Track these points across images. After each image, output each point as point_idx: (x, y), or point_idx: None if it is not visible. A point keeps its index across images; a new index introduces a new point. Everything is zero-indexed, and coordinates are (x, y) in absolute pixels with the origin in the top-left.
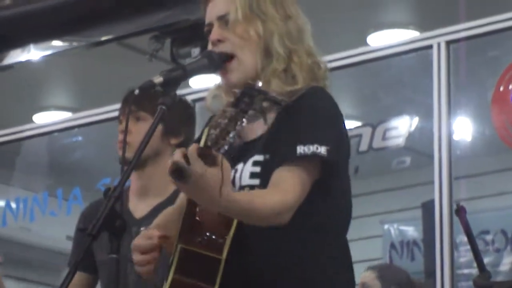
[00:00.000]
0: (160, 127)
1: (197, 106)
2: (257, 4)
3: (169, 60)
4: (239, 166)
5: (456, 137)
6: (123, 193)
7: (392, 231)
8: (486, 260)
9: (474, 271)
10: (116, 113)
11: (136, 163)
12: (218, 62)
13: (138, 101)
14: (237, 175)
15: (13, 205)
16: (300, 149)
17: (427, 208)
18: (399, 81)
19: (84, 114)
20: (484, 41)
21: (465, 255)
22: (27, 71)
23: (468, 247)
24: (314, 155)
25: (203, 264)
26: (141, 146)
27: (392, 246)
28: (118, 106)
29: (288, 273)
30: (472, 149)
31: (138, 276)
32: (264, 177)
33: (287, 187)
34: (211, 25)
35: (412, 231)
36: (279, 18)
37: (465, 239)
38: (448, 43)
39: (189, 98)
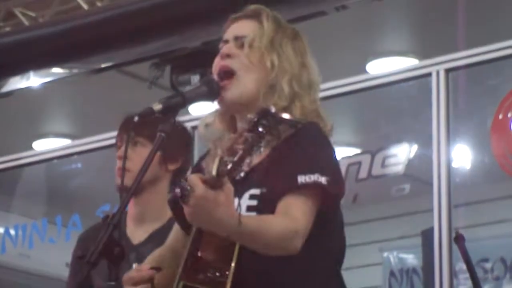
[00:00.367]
0: (158, 153)
1: (196, 133)
2: (280, 41)
3: (168, 87)
4: (235, 201)
5: (455, 164)
6: (122, 220)
7: (392, 259)
8: None
9: None
10: (115, 140)
11: (135, 190)
12: (217, 90)
13: (136, 126)
14: None
15: (12, 232)
16: (301, 179)
17: (427, 236)
18: (398, 109)
19: (83, 141)
20: (483, 69)
21: (464, 283)
22: (27, 98)
23: (468, 275)
24: (315, 184)
25: None
26: (140, 173)
27: (392, 274)
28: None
29: None
30: (472, 177)
31: None
32: (261, 210)
33: (295, 215)
34: (227, 42)
35: (411, 259)
36: (295, 63)
37: (464, 267)
38: (447, 71)
39: (188, 125)
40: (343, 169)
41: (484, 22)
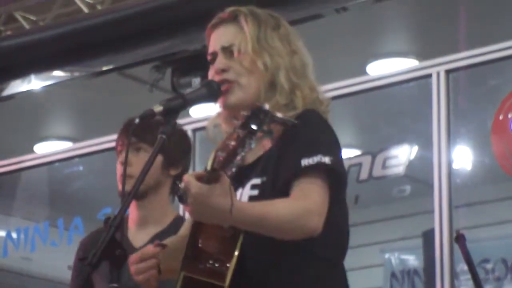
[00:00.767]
0: (160, 158)
1: (197, 135)
2: (265, 38)
3: (169, 90)
4: (238, 192)
5: (456, 165)
6: (123, 222)
7: (393, 260)
8: None
9: None
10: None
11: (136, 193)
12: (217, 92)
13: (138, 132)
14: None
15: (14, 235)
16: (305, 162)
17: (428, 237)
18: (399, 110)
19: (85, 144)
20: (484, 70)
21: (465, 284)
22: (28, 101)
23: (469, 276)
24: (319, 164)
25: None
26: (141, 175)
27: (393, 275)
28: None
29: None
30: (472, 178)
31: None
32: (262, 199)
33: (305, 193)
34: (215, 54)
35: (412, 260)
36: (285, 53)
37: (465, 267)
38: (448, 72)
39: (189, 127)
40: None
41: (484, 23)
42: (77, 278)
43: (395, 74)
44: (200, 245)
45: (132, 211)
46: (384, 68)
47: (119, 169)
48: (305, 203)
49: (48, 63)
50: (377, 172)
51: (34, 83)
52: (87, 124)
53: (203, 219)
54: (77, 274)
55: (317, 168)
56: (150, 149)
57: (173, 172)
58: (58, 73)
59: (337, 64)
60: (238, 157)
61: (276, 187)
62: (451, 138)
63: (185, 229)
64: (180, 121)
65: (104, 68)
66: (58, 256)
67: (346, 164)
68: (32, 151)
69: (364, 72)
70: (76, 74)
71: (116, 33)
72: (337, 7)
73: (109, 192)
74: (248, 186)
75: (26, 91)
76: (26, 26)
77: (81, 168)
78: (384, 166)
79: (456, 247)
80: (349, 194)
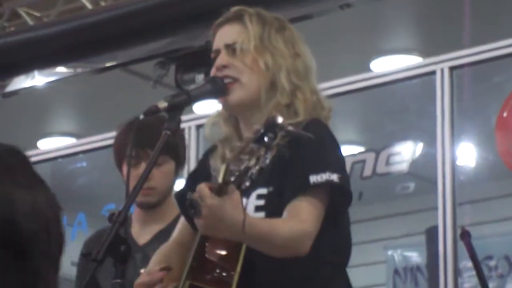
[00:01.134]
0: (172, 165)
1: (201, 132)
2: (268, 38)
3: (173, 86)
4: (243, 201)
5: (460, 162)
6: (128, 219)
7: (396, 257)
8: (489, 285)
9: None
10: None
11: (150, 203)
12: (221, 88)
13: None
14: None
15: None
16: (313, 178)
17: (431, 234)
18: (403, 107)
19: (89, 140)
20: (488, 67)
21: (469, 281)
22: (32, 97)
23: (472, 273)
24: (327, 183)
25: None
26: (145, 172)
27: (396, 272)
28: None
29: None
30: (476, 175)
31: None
32: (268, 210)
33: (304, 216)
34: (218, 51)
35: (416, 257)
36: (288, 55)
37: (468, 264)
38: (452, 69)
39: (193, 123)
40: (347, 167)
41: (489, 20)
42: (82, 275)
43: (399, 71)
44: (206, 255)
45: (135, 209)
46: (388, 65)
47: (133, 178)
48: (304, 226)
49: (52, 59)
50: (380, 169)
51: (37, 79)
52: (91, 120)
53: (214, 233)
54: (81, 271)
55: (325, 186)
56: (169, 158)
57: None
58: (61, 69)
59: (341, 60)
60: (253, 171)
61: (282, 199)
62: (455, 135)
63: (178, 235)
64: (183, 117)
65: (108, 64)
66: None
67: (350, 161)
68: (35, 147)
69: (368, 69)
70: (80, 70)
71: (120, 29)
72: (341, 4)
73: (112, 188)
74: (253, 195)
75: (29, 87)
76: (30, 22)
77: (84, 164)
78: (387, 163)
79: (459, 244)
80: (352, 191)
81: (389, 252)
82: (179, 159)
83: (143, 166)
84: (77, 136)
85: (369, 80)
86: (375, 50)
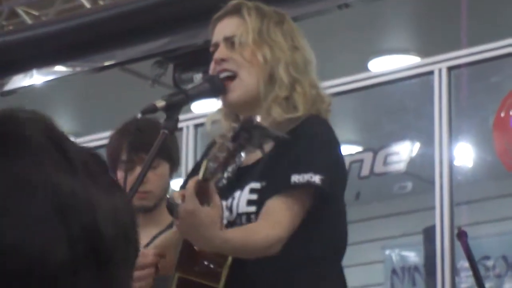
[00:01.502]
0: (167, 167)
1: (199, 131)
2: (267, 31)
3: (171, 86)
4: (237, 194)
5: (457, 162)
6: None
7: (394, 257)
8: (487, 286)
9: None
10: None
11: (146, 207)
12: (220, 87)
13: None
14: (234, 202)
15: None
16: (295, 178)
17: (429, 234)
18: (400, 107)
19: (87, 139)
20: (485, 67)
21: (466, 280)
22: (30, 96)
23: (469, 272)
24: (308, 184)
25: None
26: (144, 169)
27: (394, 271)
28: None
29: None
30: (474, 175)
31: None
32: (260, 204)
33: (278, 219)
34: (217, 45)
35: (413, 257)
36: (287, 48)
37: (466, 264)
38: (450, 69)
39: (191, 123)
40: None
41: (487, 20)
42: None
43: (397, 70)
44: (195, 247)
45: None
46: (386, 64)
47: (129, 183)
48: (278, 232)
49: (50, 58)
50: (378, 168)
51: (36, 78)
52: (89, 119)
53: (188, 237)
54: None
55: (305, 187)
56: (163, 161)
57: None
58: (60, 68)
59: (338, 60)
60: (229, 169)
61: (269, 194)
62: (452, 135)
63: None
64: (181, 117)
65: (106, 64)
66: None
67: (348, 161)
68: None
69: (365, 69)
70: (78, 69)
71: (118, 28)
72: (339, 4)
73: None
74: (247, 189)
75: (28, 86)
76: (29, 21)
77: None
78: (385, 163)
79: (457, 244)
80: (350, 191)
81: (387, 252)
82: (173, 161)
83: (138, 170)
84: (76, 135)
85: (367, 80)
86: (373, 49)
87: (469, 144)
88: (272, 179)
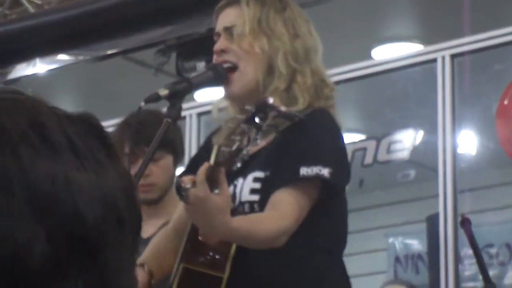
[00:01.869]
0: (171, 159)
1: (202, 119)
2: (266, 20)
3: (174, 74)
4: (239, 181)
5: (460, 150)
6: None
7: (397, 245)
8: (490, 273)
9: (479, 284)
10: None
11: (150, 199)
12: (223, 75)
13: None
14: (237, 190)
15: None
16: (303, 171)
17: (432, 222)
18: (404, 95)
19: None
20: (489, 55)
21: (469, 268)
22: (33, 84)
23: (473, 260)
24: (317, 177)
25: (205, 282)
26: (146, 160)
27: (397, 259)
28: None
29: None
30: (477, 163)
31: None
32: (264, 193)
33: (286, 211)
34: (219, 35)
35: (416, 245)
36: (287, 37)
37: (469, 252)
38: (453, 56)
39: (194, 111)
40: (348, 155)
41: (490, 8)
42: None
43: (400, 58)
44: (200, 238)
45: None
46: (389, 52)
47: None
48: (284, 224)
49: (53, 47)
50: (381, 156)
51: (39, 67)
52: (92, 108)
53: (196, 223)
54: None
55: (313, 181)
56: (165, 153)
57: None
58: (63, 56)
59: (342, 48)
60: (244, 152)
61: (275, 184)
62: (455, 123)
63: (175, 221)
64: (184, 105)
65: (109, 52)
66: None
67: (351, 149)
68: None
69: (369, 57)
70: (81, 58)
71: (121, 16)
72: None
73: None
74: (250, 178)
75: (31, 74)
76: (31, 9)
77: None
78: (388, 151)
79: (460, 231)
80: (353, 179)
81: (390, 240)
82: (177, 153)
83: (140, 162)
84: None
85: (370, 68)
86: (376, 37)
87: (473, 132)
88: (277, 169)
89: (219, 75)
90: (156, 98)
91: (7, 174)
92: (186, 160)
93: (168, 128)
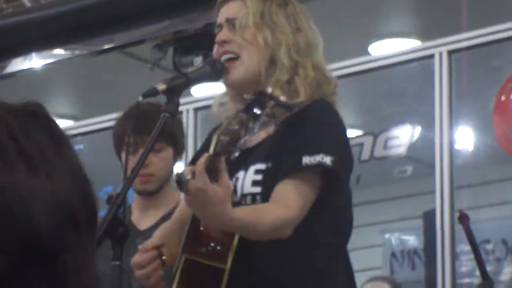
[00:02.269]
0: (171, 151)
1: (199, 114)
2: (269, 13)
3: (171, 69)
4: (240, 174)
5: (457, 146)
6: (126, 201)
7: (393, 240)
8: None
9: (475, 280)
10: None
11: (149, 191)
12: (221, 70)
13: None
14: (239, 183)
15: None
16: (306, 160)
17: (428, 218)
18: (401, 91)
19: (86, 123)
20: (486, 51)
21: (466, 264)
22: (29, 79)
23: (469, 256)
24: (319, 165)
25: (207, 274)
26: (142, 156)
27: (393, 255)
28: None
29: (291, 283)
30: (474, 159)
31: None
32: (266, 185)
33: (289, 202)
34: (221, 26)
35: (413, 240)
36: (289, 30)
37: (466, 248)
38: (450, 52)
39: (191, 106)
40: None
41: (487, 4)
42: None
43: (397, 54)
44: (201, 228)
45: (136, 197)
46: (386, 48)
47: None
48: (287, 215)
49: (49, 41)
50: (378, 152)
51: (35, 61)
52: (89, 103)
53: (197, 213)
54: None
55: (316, 169)
56: (165, 145)
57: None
58: (59, 51)
59: (339, 44)
60: (241, 141)
61: (278, 176)
62: (453, 119)
63: (179, 212)
64: (181, 100)
65: (106, 47)
66: None
67: None
68: None
69: (366, 52)
70: (77, 52)
71: (118, 11)
72: None
73: (110, 170)
74: (251, 170)
75: (27, 69)
76: (28, 4)
77: (82, 146)
78: (385, 147)
79: (457, 227)
80: (350, 176)
81: (386, 236)
82: (177, 146)
83: (141, 152)
84: (75, 118)
85: (367, 64)
86: (373, 33)
87: (470, 127)
88: (278, 160)
89: (217, 70)
90: (154, 93)
91: None
92: (185, 154)
93: (166, 122)
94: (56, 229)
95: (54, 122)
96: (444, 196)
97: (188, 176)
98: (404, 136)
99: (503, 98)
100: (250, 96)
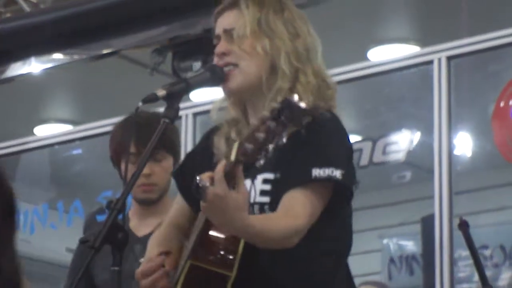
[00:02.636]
0: (171, 160)
1: (198, 119)
2: (266, 21)
3: (170, 74)
4: (247, 183)
5: (456, 152)
6: (125, 206)
7: (391, 246)
8: None
9: (473, 286)
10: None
11: (150, 200)
12: (220, 76)
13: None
14: None
15: None
16: (316, 172)
17: (427, 223)
18: (400, 96)
19: (85, 127)
20: (485, 57)
21: (464, 270)
22: (28, 84)
23: (468, 262)
24: (330, 179)
25: (211, 280)
26: (144, 157)
27: (391, 260)
28: (119, 119)
29: None
30: (473, 164)
31: None
32: (274, 195)
33: (298, 212)
34: (219, 37)
35: (411, 246)
36: (287, 37)
37: (464, 254)
38: (449, 58)
39: (190, 111)
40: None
41: (486, 10)
42: (77, 261)
43: (396, 60)
44: (210, 234)
45: (134, 205)
46: (385, 54)
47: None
48: (296, 225)
49: (48, 46)
50: (377, 158)
51: (34, 66)
52: (88, 107)
53: (213, 220)
54: (77, 257)
55: (325, 182)
56: (167, 155)
57: None
58: (58, 56)
59: (338, 49)
60: (270, 149)
61: (286, 186)
62: (452, 125)
63: (173, 216)
64: (180, 105)
65: (105, 52)
66: (57, 239)
67: None
68: (32, 134)
69: (365, 58)
70: (76, 57)
71: (117, 16)
72: None
73: (109, 175)
74: (259, 179)
75: (26, 73)
76: (27, 8)
77: (81, 151)
78: (384, 152)
79: (455, 233)
80: None
81: (385, 241)
82: (177, 155)
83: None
84: (74, 123)
85: (366, 69)
86: (372, 39)
87: (468, 133)
88: (288, 170)
89: (217, 76)
90: (153, 98)
91: None
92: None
93: (166, 128)
94: None
95: None
96: (442, 201)
97: (207, 183)
98: (403, 141)
99: (502, 104)
100: (278, 103)
